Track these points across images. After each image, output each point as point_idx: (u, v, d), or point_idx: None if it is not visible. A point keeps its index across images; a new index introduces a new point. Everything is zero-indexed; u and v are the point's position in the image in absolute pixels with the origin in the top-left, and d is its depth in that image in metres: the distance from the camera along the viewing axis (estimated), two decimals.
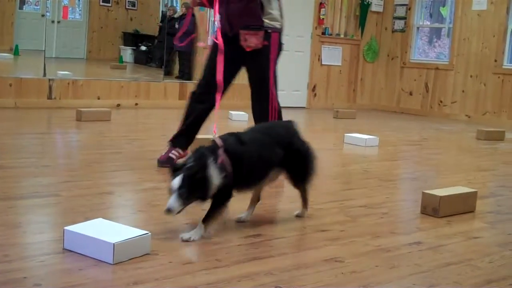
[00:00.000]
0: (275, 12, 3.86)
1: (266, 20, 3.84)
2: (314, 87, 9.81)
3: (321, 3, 9.68)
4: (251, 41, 3.82)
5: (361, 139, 5.84)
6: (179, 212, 2.47)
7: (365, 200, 3.60)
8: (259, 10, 3.79)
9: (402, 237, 2.92)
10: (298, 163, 2.91)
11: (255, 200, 3.00)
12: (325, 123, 7.88)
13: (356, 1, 10.11)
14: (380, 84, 10.47)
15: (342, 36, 10.03)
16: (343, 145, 5.85)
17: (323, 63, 9.86)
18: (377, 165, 4.99)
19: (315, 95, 9.83)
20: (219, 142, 2.59)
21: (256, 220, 3.06)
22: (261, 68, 3.93)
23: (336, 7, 9.93)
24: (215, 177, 2.50)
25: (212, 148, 2.57)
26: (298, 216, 3.08)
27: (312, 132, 7.24)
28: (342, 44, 10.04)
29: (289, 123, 3.01)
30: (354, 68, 10.27)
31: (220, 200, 2.59)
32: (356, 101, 10.31)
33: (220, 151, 2.55)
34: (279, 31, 3.90)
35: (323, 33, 9.80)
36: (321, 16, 9.72)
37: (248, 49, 3.84)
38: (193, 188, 2.45)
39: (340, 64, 10.06)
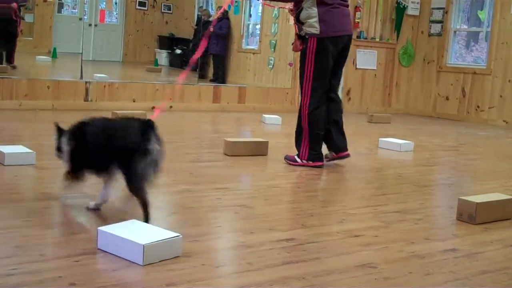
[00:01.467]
0: (312, 20, 4.39)
1: (305, 28, 4.45)
2: (349, 91, 9.74)
3: (356, 7, 9.62)
4: (295, 45, 4.63)
5: (396, 144, 5.78)
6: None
7: (399, 206, 3.56)
8: (298, 19, 4.50)
9: (437, 243, 2.87)
10: (131, 164, 2.70)
11: (105, 193, 2.96)
12: (359, 127, 7.82)
13: (392, 4, 10.02)
14: (416, 89, 10.35)
15: (377, 39, 9.94)
16: (377, 150, 5.79)
17: (358, 67, 9.79)
18: (412, 171, 4.93)
19: (349, 99, 9.76)
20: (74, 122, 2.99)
21: (289, 224, 3.05)
22: (302, 67, 4.54)
23: (371, 10, 9.86)
24: (65, 144, 2.93)
25: (71, 126, 2.98)
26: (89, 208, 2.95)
27: (346, 136, 7.19)
28: (378, 48, 9.95)
29: (142, 122, 2.81)
30: (390, 72, 10.17)
31: (68, 165, 2.96)
32: (391, 106, 10.21)
33: (72, 129, 2.96)
34: (316, 36, 4.39)
35: (358, 37, 9.73)
36: (356, 20, 9.65)
37: (294, 51, 4.75)
38: (58, 150, 3.01)
39: (375, 68, 9.98)
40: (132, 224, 2.51)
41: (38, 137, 5.20)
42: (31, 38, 9.64)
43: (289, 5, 4.75)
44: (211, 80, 10.75)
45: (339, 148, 4.70)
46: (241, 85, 9.06)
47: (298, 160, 4.61)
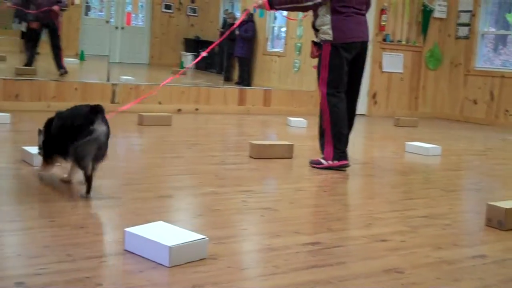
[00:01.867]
0: (325, 27, 4.60)
1: (319, 34, 4.66)
2: (375, 94, 9.68)
3: (382, 9, 9.56)
4: (312, 51, 4.79)
5: (423, 148, 5.72)
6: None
7: (427, 211, 3.52)
8: (314, 27, 4.72)
9: (465, 249, 2.83)
10: (76, 141, 3.08)
11: (69, 175, 3.43)
12: (386, 131, 7.76)
13: (419, 7, 9.93)
14: (443, 92, 10.24)
15: (403, 42, 9.87)
16: (404, 154, 5.74)
17: (384, 70, 9.72)
18: (440, 175, 4.87)
19: (375, 102, 9.70)
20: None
21: (315, 227, 3.04)
22: (318, 72, 4.70)
23: (397, 13, 9.79)
24: (40, 140, 3.48)
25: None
26: (81, 196, 3.19)
27: (372, 140, 7.15)
28: (404, 51, 9.88)
29: (91, 107, 3.15)
30: (416, 76, 10.08)
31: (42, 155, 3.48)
32: (418, 109, 10.12)
33: (43, 125, 3.46)
34: (330, 42, 4.58)
35: (384, 40, 9.67)
36: (382, 23, 9.59)
37: (311, 57, 4.88)
38: (39, 148, 3.54)
39: (401, 71, 9.90)
40: (158, 226, 2.53)
41: None
42: None
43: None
44: (237, 83, 10.78)
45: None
46: (266, 87, 9.06)
47: (324, 162, 4.60)
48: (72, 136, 3.09)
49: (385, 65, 9.71)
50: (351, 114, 4.78)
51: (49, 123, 3.40)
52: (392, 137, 7.07)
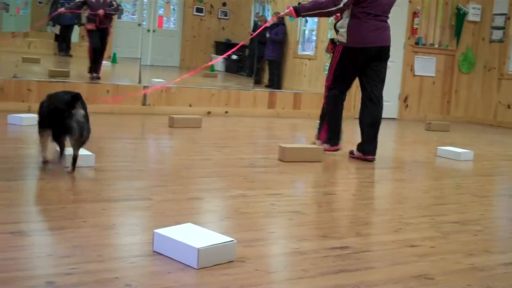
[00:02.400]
0: (342, 30, 4.96)
1: (337, 36, 5.08)
2: (406, 98, 9.59)
3: (414, 13, 9.47)
4: (328, 46, 5.37)
5: (455, 152, 5.64)
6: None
7: (458, 216, 3.47)
8: (335, 27, 5.21)
9: (498, 256, 2.78)
10: (59, 122, 3.71)
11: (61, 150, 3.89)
12: (417, 135, 7.68)
13: (452, 10, 9.81)
14: (476, 96, 10.09)
15: (436, 46, 9.76)
16: (435, 159, 5.67)
17: (416, 73, 9.63)
18: (472, 180, 4.80)
19: (406, 106, 9.61)
20: None
21: (343, 232, 3.02)
22: (329, 67, 5.25)
23: (430, 16, 9.69)
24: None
25: None
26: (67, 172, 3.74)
27: (402, 144, 7.08)
28: (436, 55, 9.77)
29: (71, 94, 3.76)
30: (449, 79, 9.96)
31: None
32: (450, 113, 9.99)
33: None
34: (344, 44, 4.95)
35: (417, 43, 9.57)
36: (415, 26, 9.50)
37: (326, 51, 5.62)
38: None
39: (433, 75, 9.79)
40: (187, 228, 2.54)
41: (97, 140, 5.32)
42: None
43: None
44: (267, 86, 10.78)
45: (365, 151, 5.08)
46: (296, 91, 9.04)
47: (317, 142, 5.30)
48: (55, 116, 3.72)
49: (417, 68, 9.61)
50: (373, 114, 5.08)
51: (41, 105, 3.94)
52: (423, 142, 7.00)
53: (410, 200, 3.95)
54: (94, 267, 2.22)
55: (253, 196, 3.59)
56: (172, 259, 2.34)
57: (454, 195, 4.16)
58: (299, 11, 4.99)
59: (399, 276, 2.39)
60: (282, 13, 5.21)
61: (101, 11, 8.31)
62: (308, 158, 4.84)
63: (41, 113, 3.91)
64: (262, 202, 3.44)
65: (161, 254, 2.38)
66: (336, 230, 3.02)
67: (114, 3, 8.52)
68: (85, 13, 8.61)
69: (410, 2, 9.41)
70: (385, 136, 7.71)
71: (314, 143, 5.33)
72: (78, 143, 3.73)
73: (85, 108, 3.76)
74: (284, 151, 4.81)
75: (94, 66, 8.34)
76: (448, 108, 10.02)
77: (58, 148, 3.90)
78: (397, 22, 9.40)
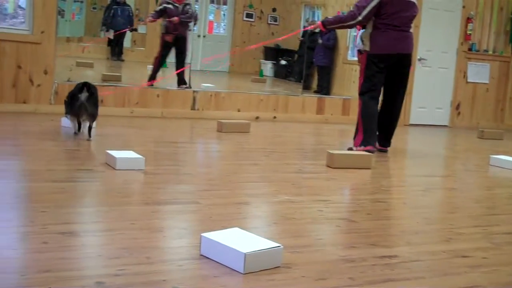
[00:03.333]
0: (365, 39, 5.50)
1: (361, 44, 5.58)
2: (458, 105, 9.40)
3: (468, 18, 9.28)
4: (357, 55, 5.87)
5: (509, 161, 5.48)
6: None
7: (511, 227, 3.36)
8: (360, 37, 5.66)
9: None
10: (73, 102, 5.04)
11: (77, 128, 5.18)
12: (469, 143, 7.51)
13: (507, 15, 9.57)
14: None
15: (490, 52, 9.53)
16: (488, 167, 5.53)
17: (469, 80, 9.42)
18: None
19: (458, 113, 9.41)
20: None
21: (393, 240, 2.97)
22: (359, 75, 5.66)
23: (484, 22, 9.47)
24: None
25: None
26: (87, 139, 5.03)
27: (454, 152, 6.94)
28: (490, 61, 9.53)
29: (83, 83, 5.05)
30: (503, 86, 9.70)
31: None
32: (504, 121, 9.73)
33: None
34: (367, 52, 5.46)
35: (470, 49, 9.37)
36: (468, 32, 9.30)
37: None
38: None
39: (487, 81, 9.56)
40: (234, 232, 2.54)
41: (147, 143, 5.40)
42: (143, 48, 10.06)
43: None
44: (315, 92, 10.73)
45: (381, 144, 5.71)
46: (345, 97, 8.97)
47: (353, 148, 5.43)
48: (72, 98, 5.05)
49: (470, 75, 9.41)
50: (392, 115, 5.66)
51: (68, 94, 5.24)
52: (476, 150, 6.83)
53: (461, 210, 3.86)
54: (142, 269, 2.25)
55: (301, 202, 3.58)
56: (218, 263, 2.34)
57: (507, 205, 4.04)
58: (325, 25, 5.64)
59: (449, 286, 2.33)
60: (312, 26, 6.07)
61: (175, 18, 8.41)
62: (357, 165, 4.79)
63: (66, 99, 5.18)
64: (310, 208, 3.42)
65: (208, 258, 2.39)
66: (385, 238, 2.97)
67: (190, 10, 8.62)
68: (163, 21, 8.68)
69: (463, 7, 9.22)
70: (437, 143, 7.56)
71: (351, 149, 5.46)
72: (88, 118, 5.01)
73: (92, 92, 5.00)
74: (332, 157, 4.78)
75: (180, 78, 8.34)
76: (502, 116, 9.76)
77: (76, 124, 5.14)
78: (450, 27, 9.23)
